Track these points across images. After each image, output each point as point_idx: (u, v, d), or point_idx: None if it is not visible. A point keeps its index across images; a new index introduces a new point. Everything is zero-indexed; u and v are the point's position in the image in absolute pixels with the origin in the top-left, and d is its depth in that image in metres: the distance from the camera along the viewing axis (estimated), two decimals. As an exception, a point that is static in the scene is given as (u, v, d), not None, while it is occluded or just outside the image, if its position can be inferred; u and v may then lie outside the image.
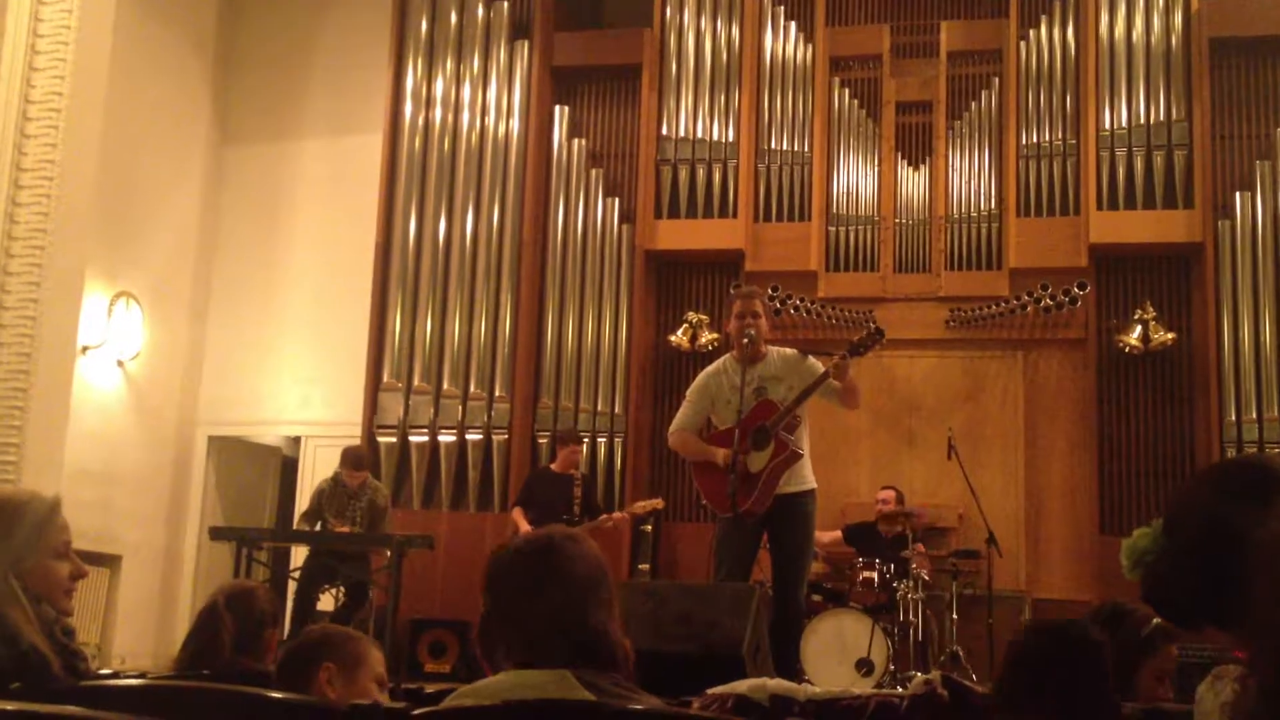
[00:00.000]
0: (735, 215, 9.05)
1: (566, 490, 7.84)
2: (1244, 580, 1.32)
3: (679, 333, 9.06)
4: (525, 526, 7.49)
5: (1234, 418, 8.13)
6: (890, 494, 8.09)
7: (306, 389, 9.96)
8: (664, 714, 1.97)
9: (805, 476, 5.46)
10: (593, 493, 8.15)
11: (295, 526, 8.25)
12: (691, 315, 9.07)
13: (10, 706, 1.84)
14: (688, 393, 5.77)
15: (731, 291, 8.66)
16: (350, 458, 7.96)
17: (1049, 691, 2.05)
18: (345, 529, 7.77)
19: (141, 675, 2.79)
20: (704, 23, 9.36)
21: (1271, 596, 1.20)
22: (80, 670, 2.45)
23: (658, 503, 8.05)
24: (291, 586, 7.76)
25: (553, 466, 8.12)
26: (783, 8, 9.41)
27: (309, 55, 10.37)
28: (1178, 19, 8.68)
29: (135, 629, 9.24)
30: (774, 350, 5.65)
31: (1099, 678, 2.07)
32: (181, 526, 9.84)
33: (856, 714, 2.73)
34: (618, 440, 8.94)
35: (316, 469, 9.44)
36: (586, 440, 8.83)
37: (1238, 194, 8.45)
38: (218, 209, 10.30)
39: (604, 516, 7.80)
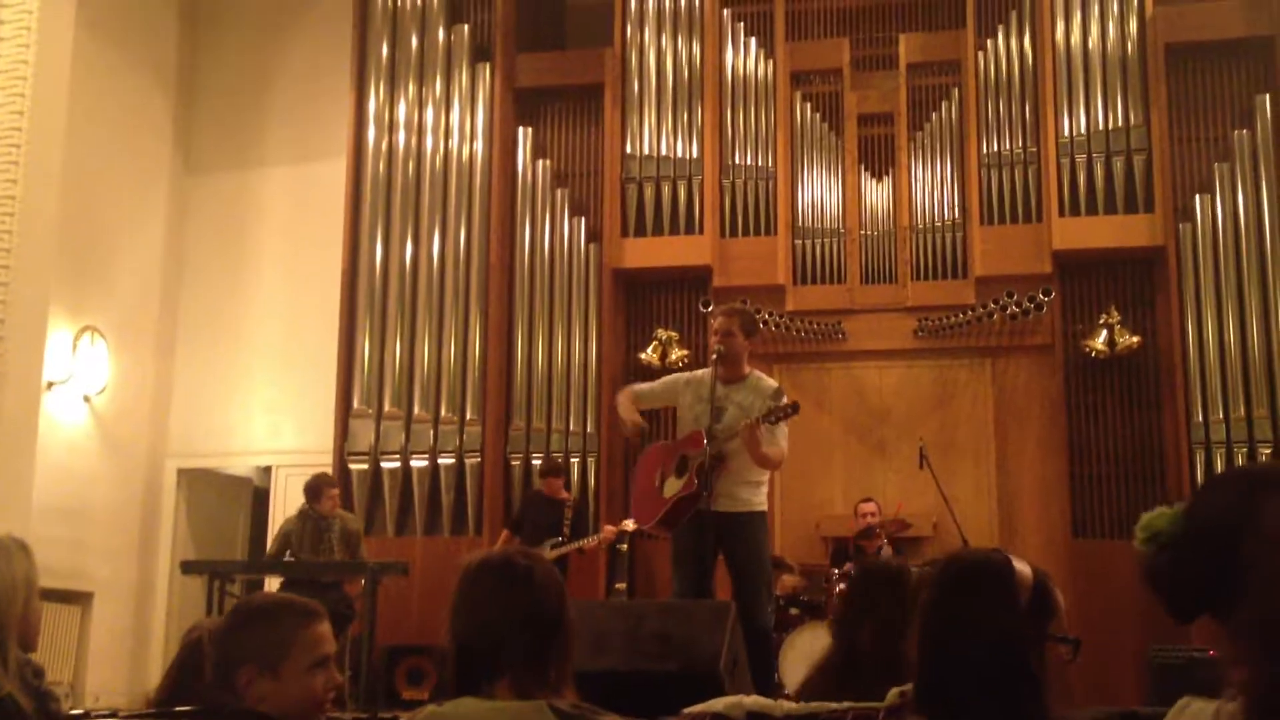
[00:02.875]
0: (702, 231, 9.06)
1: (557, 514, 7.89)
2: (1249, 570, 1.29)
3: (649, 350, 9.05)
4: None
5: (1201, 418, 8.19)
6: (873, 506, 8.09)
7: (276, 418, 9.89)
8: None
9: (747, 499, 5.44)
10: (584, 517, 8.15)
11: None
12: (661, 332, 9.07)
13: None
14: (664, 377, 6.01)
15: (702, 308, 8.73)
16: (319, 483, 7.92)
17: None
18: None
19: (113, 714, 2.76)
20: (665, 41, 9.39)
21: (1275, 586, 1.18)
22: (52, 711, 2.42)
23: (627, 524, 7.99)
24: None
25: (543, 490, 8.18)
26: (743, 24, 9.45)
27: (270, 82, 10.33)
28: (1133, 25, 8.77)
29: (108, 666, 9.12)
30: (755, 376, 5.62)
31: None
32: (153, 561, 9.73)
33: (834, 728, 2.72)
34: (590, 460, 8.92)
35: (288, 498, 9.33)
36: (572, 465, 8.88)
37: (1197, 197, 8.53)
38: (182, 239, 10.23)
39: (573, 545, 7.78)
